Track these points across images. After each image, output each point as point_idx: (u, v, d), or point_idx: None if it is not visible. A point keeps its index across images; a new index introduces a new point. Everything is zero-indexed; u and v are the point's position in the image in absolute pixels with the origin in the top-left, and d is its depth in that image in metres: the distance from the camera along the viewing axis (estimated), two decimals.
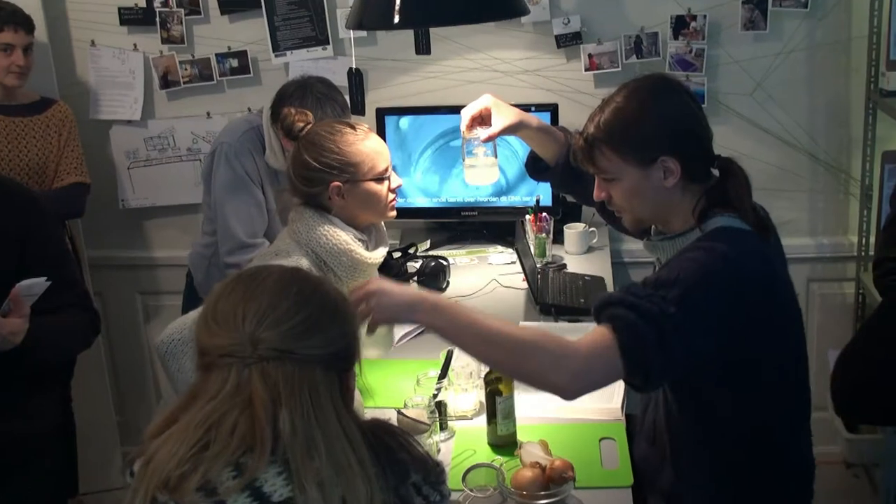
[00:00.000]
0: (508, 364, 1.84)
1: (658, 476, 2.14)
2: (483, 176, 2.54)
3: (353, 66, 3.48)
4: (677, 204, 1.98)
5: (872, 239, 3.52)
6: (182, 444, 1.31)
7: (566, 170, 2.42)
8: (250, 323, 1.35)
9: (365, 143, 2.40)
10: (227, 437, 1.30)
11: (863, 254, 3.59)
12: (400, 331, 2.81)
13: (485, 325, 1.81)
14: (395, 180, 2.48)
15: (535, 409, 2.33)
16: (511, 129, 2.37)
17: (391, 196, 2.47)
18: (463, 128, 2.42)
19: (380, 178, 2.41)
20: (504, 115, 2.35)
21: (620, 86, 2.03)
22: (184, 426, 1.34)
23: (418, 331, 2.81)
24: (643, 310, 1.76)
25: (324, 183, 2.38)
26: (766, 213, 2.03)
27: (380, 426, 1.45)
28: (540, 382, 1.81)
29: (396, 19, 2.07)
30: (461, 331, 1.83)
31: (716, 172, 2.00)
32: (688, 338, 1.77)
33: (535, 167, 2.54)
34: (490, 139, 2.38)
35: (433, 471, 1.43)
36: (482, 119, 2.38)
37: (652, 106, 1.95)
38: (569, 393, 1.80)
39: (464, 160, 2.52)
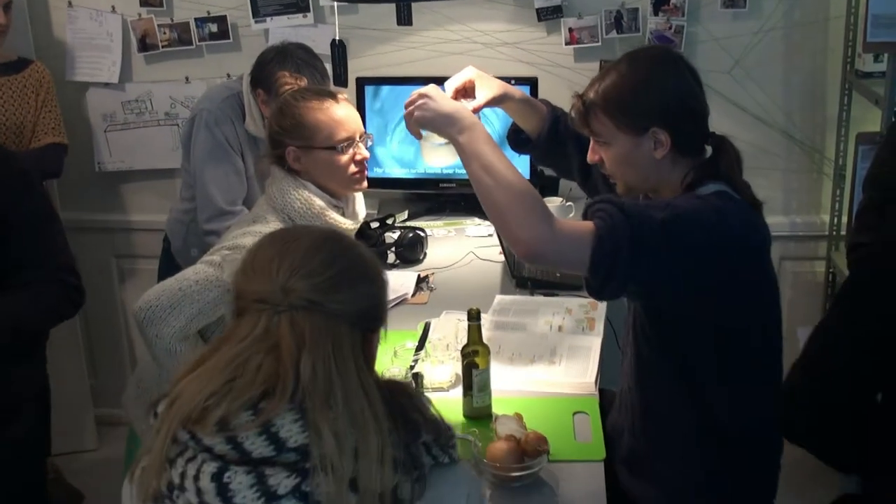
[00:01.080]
0: (494, 197, 1.87)
1: (622, 443, 2.19)
2: None
3: (337, 38, 3.46)
4: (666, 175, 2.01)
5: (844, 219, 3.57)
6: (209, 381, 1.38)
7: (547, 143, 2.44)
8: (284, 273, 1.41)
9: (327, 111, 2.41)
10: (252, 374, 1.37)
11: (834, 233, 3.64)
12: None
13: (494, 157, 1.90)
14: (361, 153, 2.48)
15: (510, 382, 2.36)
16: (495, 102, 2.38)
17: (354, 168, 2.47)
18: None
19: (332, 147, 2.41)
20: (488, 88, 2.36)
21: (624, 54, 2.08)
22: (212, 366, 1.40)
23: (396, 301, 2.83)
24: (628, 210, 1.81)
25: (283, 146, 2.39)
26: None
27: (397, 386, 1.52)
28: (509, 227, 1.85)
29: None
30: (473, 152, 1.93)
31: (709, 149, 2.04)
32: (661, 255, 1.81)
33: (517, 140, 2.55)
34: (475, 112, 2.38)
35: (444, 434, 1.49)
36: (466, 91, 2.39)
37: (651, 77, 1.99)
38: (529, 248, 1.82)
39: None
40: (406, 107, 2.09)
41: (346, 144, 2.43)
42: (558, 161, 2.50)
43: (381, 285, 1.52)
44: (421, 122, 2.06)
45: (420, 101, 2.05)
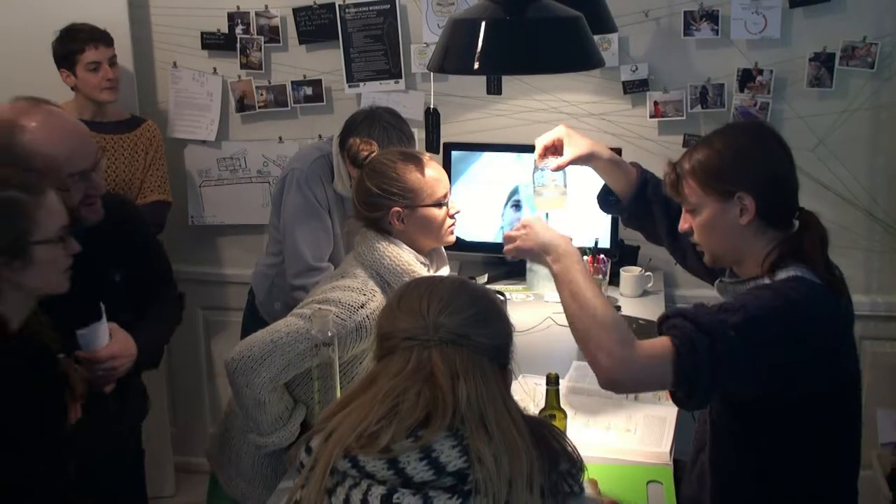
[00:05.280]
0: (578, 324, 1.96)
1: None
2: (552, 203, 2.57)
3: (431, 106, 3.55)
4: (751, 245, 2.05)
5: None
6: (373, 410, 1.46)
7: (634, 205, 2.48)
8: (434, 311, 1.52)
9: (423, 171, 2.50)
10: (414, 399, 1.46)
11: None
12: None
13: (582, 285, 1.99)
14: (454, 206, 2.57)
15: (585, 448, 2.37)
16: (582, 160, 2.41)
17: (449, 221, 2.56)
18: (535, 156, 2.48)
19: (438, 204, 2.51)
20: (575, 146, 2.39)
21: (724, 125, 2.17)
22: (368, 400, 1.49)
23: None
24: (702, 324, 1.85)
25: (384, 208, 2.48)
26: (842, 275, 2.08)
27: (535, 418, 1.59)
28: (591, 353, 1.91)
29: (476, 66, 2.16)
30: (565, 280, 2.03)
31: (797, 224, 2.07)
32: (739, 364, 1.85)
33: (606, 200, 2.59)
34: (559, 169, 2.42)
35: (577, 464, 1.55)
36: (555, 148, 2.43)
37: (741, 146, 2.05)
38: (608, 374, 1.88)
39: (534, 188, 2.57)
40: (508, 238, 2.22)
41: (446, 200, 2.53)
42: (645, 224, 2.54)
43: (511, 325, 1.62)
44: (521, 252, 2.19)
45: (523, 232, 2.18)
